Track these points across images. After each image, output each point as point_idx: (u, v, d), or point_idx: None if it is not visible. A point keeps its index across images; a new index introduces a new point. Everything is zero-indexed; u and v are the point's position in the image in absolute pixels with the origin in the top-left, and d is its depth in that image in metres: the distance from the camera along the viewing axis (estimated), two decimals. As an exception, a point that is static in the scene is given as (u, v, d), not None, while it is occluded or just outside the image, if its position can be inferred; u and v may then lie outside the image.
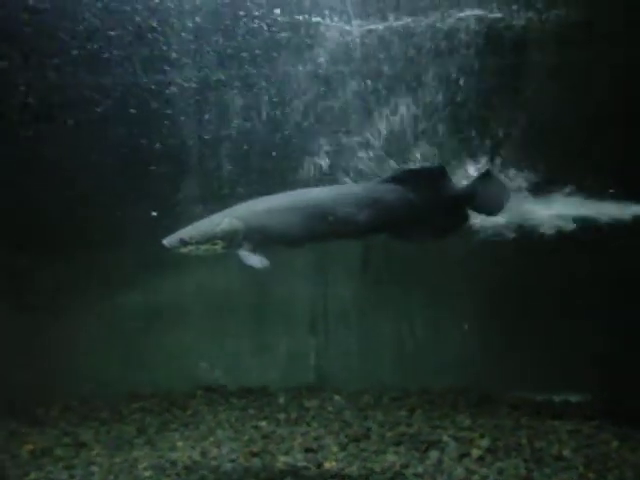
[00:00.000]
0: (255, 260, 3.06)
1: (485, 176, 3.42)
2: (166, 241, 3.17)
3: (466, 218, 3.41)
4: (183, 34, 4.29)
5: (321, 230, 3.20)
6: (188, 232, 3.17)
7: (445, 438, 3.87)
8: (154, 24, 4.20)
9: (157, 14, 4.23)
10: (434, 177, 3.32)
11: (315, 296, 4.97)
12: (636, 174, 3.96)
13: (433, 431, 4.00)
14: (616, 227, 3.69)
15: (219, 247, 3.15)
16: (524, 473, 3.40)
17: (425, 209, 3.31)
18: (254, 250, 3.09)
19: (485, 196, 3.36)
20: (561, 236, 3.74)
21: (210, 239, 3.13)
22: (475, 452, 3.66)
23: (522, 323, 4.63)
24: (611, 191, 3.56)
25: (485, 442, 3.80)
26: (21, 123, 4.43)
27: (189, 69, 4.40)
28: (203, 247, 3.14)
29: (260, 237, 3.13)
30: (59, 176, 4.54)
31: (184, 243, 3.13)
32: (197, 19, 4.27)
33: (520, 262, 4.49)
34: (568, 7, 4.12)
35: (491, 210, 3.44)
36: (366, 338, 4.92)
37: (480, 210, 3.42)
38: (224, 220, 3.15)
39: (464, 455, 3.63)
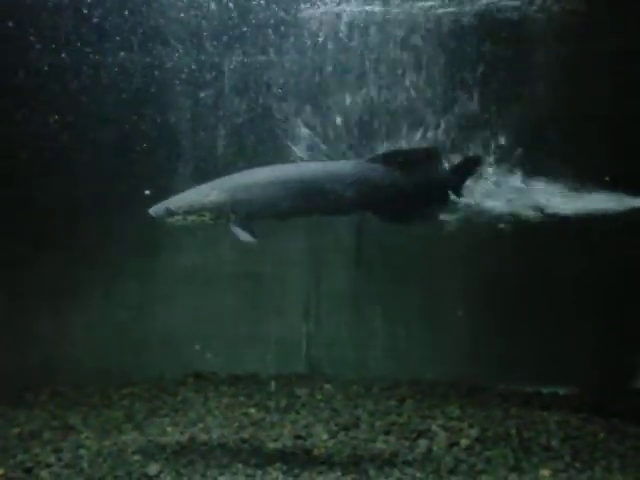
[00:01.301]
0: (245, 235, 3.04)
1: (468, 160, 3.44)
2: (152, 210, 3.10)
3: (448, 200, 3.42)
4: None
5: (308, 205, 3.20)
6: (175, 202, 3.11)
7: (434, 427, 3.88)
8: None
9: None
10: (423, 159, 3.33)
11: (308, 285, 4.96)
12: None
13: (423, 421, 4.02)
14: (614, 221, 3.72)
15: (207, 219, 3.11)
16: (512, 462, 3.42)
17: (412, 190, 3.31)
18: (242, 222, 3.08)
19: (464, 179, 3.38)
20: (559, 229, 3.76)
21: (198, 210, 3.09)
22: (464, 441, 3.68)
23: (514, 316, 4.65)
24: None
25: (474, 432, 3.82)
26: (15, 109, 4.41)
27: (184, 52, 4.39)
28: (190, 218, 3.10)
29: (247, 210, 3.11)
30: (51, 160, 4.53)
31: (171, 213, 3.08)
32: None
33: (514, 254, 4.51)
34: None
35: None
36: (358, 328, 4.92)
37: (458, 193, 3.44)
38: (212, 191, 3.11)
39: (453, 444, 3.65)
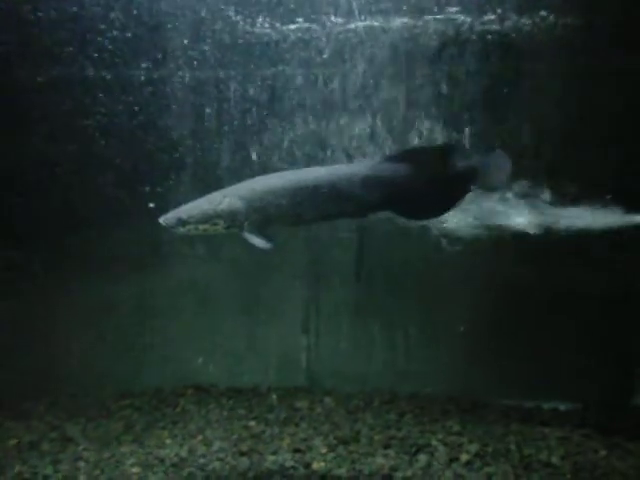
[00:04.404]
0: (260, 241, 2.99)
1: (489, 152, 3.41)
2: (163, 219, 3.02)
3: (466, 192, 3.37)
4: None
5: (326, 209, 3.13)
6: (187, 211, 3.03)
7: (434, 442, 3.86)
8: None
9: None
10: (435, 155, 3.31)
11: (308, 298, 4.96)
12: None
13: (422, 435, 4.00)
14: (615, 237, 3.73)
15: (219, 227, 3.03)
16: (512, 478, 3.40)
17: (428, 186, 3.27)
18: (257, 230, 3.02)
19: (489, 172, 3.33)
20: (553, 244, 3.78)
21: (210, 219, 3.00)
22: (464, 457, 3.67)
23: (513, 330, 4.65)
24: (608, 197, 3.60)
25: (474, 447, 3.80)
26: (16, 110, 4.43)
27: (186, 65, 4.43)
28: (202, 227, 3.02)
29: (262, 217, 3.03)
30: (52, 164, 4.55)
31: (182, 223, 3.00)
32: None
33: (512, 270, 4.51)
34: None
35: (495, 186, 3.42)
36: (358, 341, 4.91)
37: (484, 186, 3.39)
38: (225, 199, 3.03)
39: (453, 459, 3.64)
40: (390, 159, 3.33)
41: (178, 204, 3.15)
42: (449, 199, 3.34)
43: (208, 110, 4.35)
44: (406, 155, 3.31)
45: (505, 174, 3.35)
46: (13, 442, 3.87)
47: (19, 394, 4.65)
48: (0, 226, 4.55)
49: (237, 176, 3.33)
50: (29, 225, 4.61)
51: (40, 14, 4.21)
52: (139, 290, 4.93)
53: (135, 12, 4.28)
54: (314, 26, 4.21)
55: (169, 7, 4.25)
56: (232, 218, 3.03)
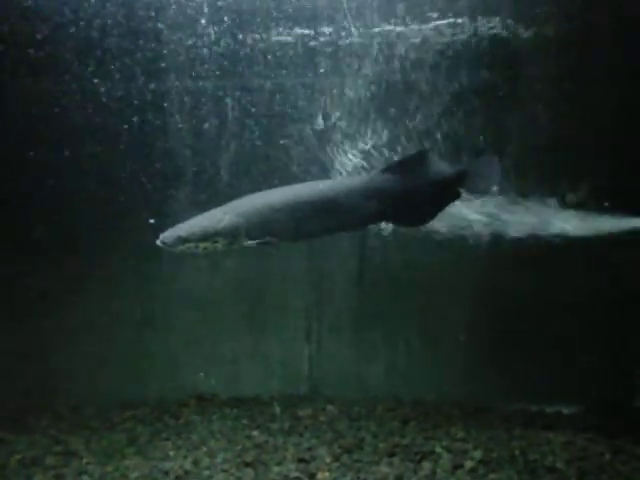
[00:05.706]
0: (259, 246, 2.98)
1: (478, 156, 3.46)
2: (162, 239, 2.98)
3: (458, 196, 3.39)
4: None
5: (327, 224, 3.13)
6: (187, 229, 2.99)
7: (438, 449, 3.85)
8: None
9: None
10: (421, 162, 3.33)
11: (310, 305, 4.95)
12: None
13: (426, 442, 3.98)
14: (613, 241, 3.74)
15: (220, 245, 3.00)
16: (518, 485, 3.40)
17: (419, 193, 3.30)
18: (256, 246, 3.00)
19: (477, 176, 3.35)
20: (556, 249, 3.79)
21: (211, 237, 2.97)
22: (468, 463, 3.65)
23: (516, 335, 4.65)
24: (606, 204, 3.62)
25: (478, 453, 3.78)
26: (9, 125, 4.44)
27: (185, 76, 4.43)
28: (202, 245, 2.98)
29: (263, 234, 3.01)
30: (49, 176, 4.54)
31: (182, 241, 2.96)
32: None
33: (514, 275, 4.52)
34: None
35: (484, 189, 3.44)
36: (360, 348, 4.91)
37: (474, 190, 3.42)
38: (225, 217, 3.01)
39: (458, 466, 3.62)
40: (386, 170, 3.35)
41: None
42: (437, 204, 3.38)
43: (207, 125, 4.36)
44: (400, 165, 3.34)
45: (495, 178, 3.38)
46: (17, 457, 3.85)
47: (22, 408, 4.64)
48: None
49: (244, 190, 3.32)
50: (29, 239, 4.60)
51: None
52: (140, 301, 4.92)
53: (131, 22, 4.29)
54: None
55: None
56: (233, 235, 3.01)
